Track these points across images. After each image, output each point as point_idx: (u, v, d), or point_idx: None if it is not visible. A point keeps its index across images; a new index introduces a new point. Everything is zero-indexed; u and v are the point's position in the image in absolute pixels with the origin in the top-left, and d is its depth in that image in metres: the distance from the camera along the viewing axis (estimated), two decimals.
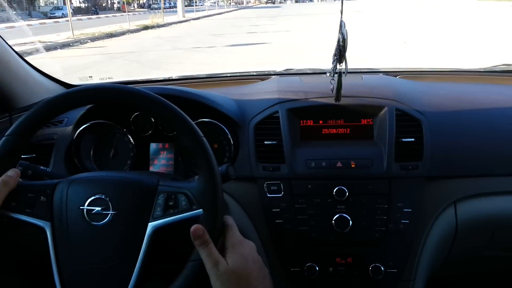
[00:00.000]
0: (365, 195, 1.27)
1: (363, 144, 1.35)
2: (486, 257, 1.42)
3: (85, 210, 0.97)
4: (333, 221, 1.25)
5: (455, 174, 1.31)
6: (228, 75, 1.97)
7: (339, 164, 1.29)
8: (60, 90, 1.79)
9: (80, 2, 46.08)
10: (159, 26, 23.50)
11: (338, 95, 1.23)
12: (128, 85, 1.00)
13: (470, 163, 1.32)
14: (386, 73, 1.76)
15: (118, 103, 0.98)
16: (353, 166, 1.29)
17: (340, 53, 1.15)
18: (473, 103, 1.49)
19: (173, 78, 1.95)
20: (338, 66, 1.20)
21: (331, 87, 1.24)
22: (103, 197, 0.97)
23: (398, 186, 1.27)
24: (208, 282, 0.94)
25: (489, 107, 1.47)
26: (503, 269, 1.57)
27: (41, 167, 1.11)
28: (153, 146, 1.45)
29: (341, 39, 1.14)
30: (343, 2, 1.21)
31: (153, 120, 1.42)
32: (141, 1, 67.49)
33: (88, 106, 1.37)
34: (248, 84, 1.75)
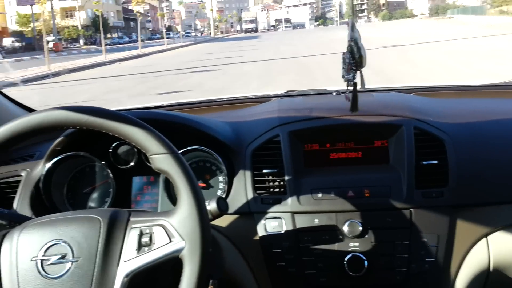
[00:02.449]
0: (383, 229, 1.11)
1: (378, 169, 1.20)
2: None
3: (39, 261, 0.81)
4: (345, 262, 1.09)
5: (486, 201, 1.15)
6: (225, 99, 1.82)
7: (350, 194, 1.14)
8: None
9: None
10: None
11: (354, 105, 1.09)
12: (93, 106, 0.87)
13: (502, 187, 1.16)
14: (399, 90, 1.61)
15: (82, 125, 0.85)
16: (367, 195, 1.14)
17: (355, 61, 1.01)
18: (499, 118, 1.34)
19: (165, 105, 1.82)
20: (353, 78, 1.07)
21: (346, 95, 1.10)
22: (60, 242, 0.82)
23: (421, 217, 1.12)
24: None
25: None
26: None
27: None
28: (136, 180, 1.30)
29: (353, 45, 1.00)
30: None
31: (135, 149, 1.26)
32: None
33: (60, 137, 1.22)
34: (246, 107, 1.59)
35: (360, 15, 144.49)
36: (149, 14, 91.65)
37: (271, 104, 1.51)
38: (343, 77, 1.10)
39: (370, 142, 1.23)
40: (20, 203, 1.20)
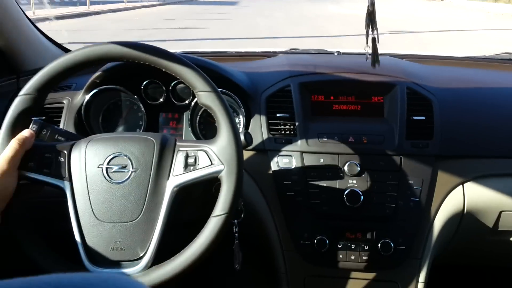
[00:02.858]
0: (377, 171, 1.27)
1: (374, 121, 1.36)
2: (489, 242, 1.44)
3: (104, 168, 0.96)
4: (344, 195, 1.25)
5: (464, 154, 1.33)
6: (234, 52, 1.95)
7: (351, 139, 1.29)
8: None
9: None
10: None
11: (374, 59, 1.21)
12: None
13: (479, 144, 1.34)
14: (393, 55, 1.77)
15: (139, 60, 0.97)
16: (365, 141, 1.29)
17: (371, 19, 1.13)
18: (480, 86, 1.51)
19: (178, 52, 1.91)
20: (370, 32, 1.17)
21: (365, 51, 1.21)
22: (122, 155, 0.97)
23: (409, 163, 1.28)
24: (232, 238, 0.94)
25: (497, 91, 1.49)
26: (503, 258, 1.59)
27: (56, 126, 1.09)
28: (162, 115, 1.44)
29: (369, 4, 1.13)
30: None
31: (164, 88, 1.40)
32: None
33: (98, 72, 1.34)
34: (255, 60, 1.74)
35: None
36: None
37: (280, 58, 1.65)
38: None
39: (368, 98, 1.38)
40: (65, 127, 1.33)
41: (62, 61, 0.98)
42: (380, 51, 1.68)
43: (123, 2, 22.89)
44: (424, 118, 1.31)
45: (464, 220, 1.32)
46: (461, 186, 1.31)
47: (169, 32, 11.86)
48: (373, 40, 1.16)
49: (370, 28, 1.13)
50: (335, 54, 1.77)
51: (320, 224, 1.28)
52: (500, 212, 1.33)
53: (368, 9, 1.13)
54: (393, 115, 1.33)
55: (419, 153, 1.29)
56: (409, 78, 1.38)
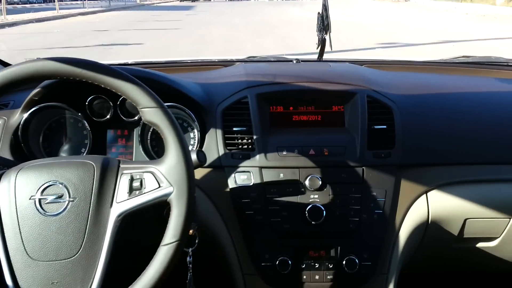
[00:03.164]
0: (339, 183, 1.23)
1: (335, 131, 1.31)
2: (455, 250, 1.42)
3: (37, 200, 0.87)
4: (306, 212, 1.20)
5: (427, 162, 1.30)
6: (189, 61, 1.87)
7: (311, 152, 1.25)
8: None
9: None
10: None
11: (321, 52, 1.17)
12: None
13: (441, 151, 1.31)
14: (352, 62, 1.73)
15: (75, 76, 0.89)
16: (326, 153, 1.25)
17: (323, 19, 1.10)
18: (440, 91, 1.49)
19: (129, 63, 1.83)
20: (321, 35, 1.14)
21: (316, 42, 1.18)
22: (57, 183, 0.88)
23: (371, 174, 1.24)
24: (183, 267, 0.87)
25: (458, 96, 1.48)
26: (470, 264, 1.58)
27: None
28: (110, 132, 1.34)
29: (324, 13, 1.10)
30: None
31: (111, 104, 1.31)
32: None
33: (37, 88, 1.23)
34: (211, 70, 1.66)
35: None
36: None
37: (237, 68, 1.58)
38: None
39: (328, 107, 1.33)
40: (1, 149, 1.22)
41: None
42: (338, 57, 1.66)
43: (85, 7, 21.89)
44: (385, 126, 1.28)
45: (429, 229, 1.30)
46: (424, 195, 1.28)
47: (87, 51, 9.43)
48: (323, 40, 1.14)
49: (324, 32, 1.12)
50: (294, 62, 1.72)
51: (281, 243, 1.22)
52: (465, 220, 1.31)
53: (322, 14, 1.11)
54: (354, 125, 1.29)
55: (381, 163, 1.26)
56: (369, 86, 1.35)
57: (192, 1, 49.96)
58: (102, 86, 0.89)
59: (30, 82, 0.91)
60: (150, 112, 0.90)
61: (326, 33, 1.13)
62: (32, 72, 0.88)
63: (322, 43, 1.16)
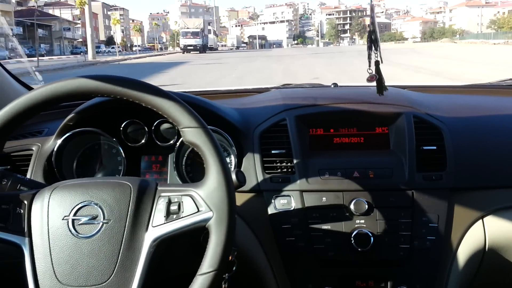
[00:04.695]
0: (387, 208, 1.15)
1: (380, 153, 1.24)
2: None
3: (70, 220, 0.82)
4: (352, 238, 1.11)
5: (482, 185, 1.21)
6: (223, 90, 1.84)
7: (356, 174, 1.18)
8: None
9: None
10: None
11: (380, 86, 1.10)
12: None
13: (496, 173, 1.22)
14: (393, 87, 1.67)
15: (115, 94, 0.85)
16: (371, 176, 1.17)
17: (371, 39, 1.03)
18: (489, 113, 1.42)
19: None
20: (373, 55, 1.07)
21: (370, 75, 1.10)
22: (92, 204, 0.83)
23: (422, 198, 1.16)
24: None
25: (506, 117, 1.39)
26: None
27: (19, 175, 0.96)
28: (145, 159, 1.31)
29: (370, 25, 1.04)
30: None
31: (146, 128, 1.28)
32: None
33: (72, 114, 1.22)
34: (246, 96, 1.63)
35: (342, 35, 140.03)
36: (78, 21, 68.22)
37: (273, 93, 1.55)
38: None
39: (371, 129, 1.27)
40: (33, 176, 1.20)
41: (25, 99, 0.86)
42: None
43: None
44: (435, 147, 1.21)
45: (486, 257, 1.20)
46: (480, 220, 1.18)
47: None
48: (376, 62, 1.06)
49: (373, 49, 1.04)
50: (332, 86, 1.67)
51: (325, 272, 1.14)
52: None
53: (369, 29, 1.04)
54: (401, 146, 1.22)
55: (433, 186, 1.17)
56: (415, 106, 1.29)
57: (200, 52, 42.58)
58: (143, 104, 0.85)
59: (68, 100, 0.88)
60: (192, 132, 0.85)
61: (376, 51, 1.04)
62: (70, 90, 0.85)
63: (377, 68, 1.08)
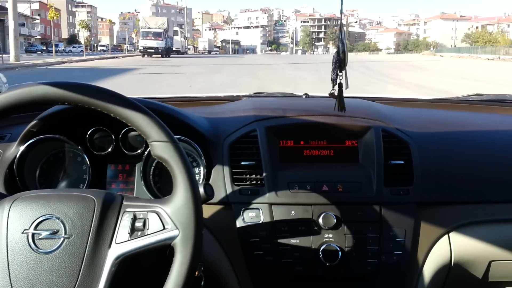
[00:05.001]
0: (355, 222, 1.15)
1: (349, 167, 1.24)
2: None
3: (30, 234, 0.79)
4: (320, 252, 1.11)
5: (448, 201, 1.23)
6: (194, 97, 1.82)
7: (325, 188, 1.17)
8: None
9: None
10: None
11: (341, 105, 1.11)
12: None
13: (463, 188, 1.24)
14: (362, 98, 1.68)
15: (83, 103, 0.82)
16: (340, 190, 1.17)
17: (340, 63, 1.04)
18: (456, 128, 1.44)
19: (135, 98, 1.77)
20: (337, 77, 1.08)
21: (330, 92, 1.11)
22: (54, 218, 0.80)
23: (389, 212, 1.17)
24: None
25: (474, 133, 1.42)
26: None
27: None
28: (111, 167, 1.27)
29: (340, 47, 1.04)
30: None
31: (113, 136, 1.24)
32: None
33: (36, 120, 1.17)
34: (217, 105, 1.61)
35: (317, 43, 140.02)
36: (38, 16, 63.79)
37: (244, 102, 1.54)
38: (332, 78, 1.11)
39: (341, 142, 1.27)
40: None
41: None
42: (349, 94, 1.60)
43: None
44: (402, 162, 1.22)
45: (452, 272, 1.21)
46: (446, 235, 1.20)
47: None
48: (340, 85, 1.07)
49: (338, 72, 1.05)
50: (303, 97, 1.67)
51: (293, 287, 1.12)
52: (490, 262, 1.22)
53: (338, 56, 1.05)
54: (369, 160, 1.22)
55: (400, 200, 1.18)
56: (383, 119, 1.30)
57: (162, 56, 37.01)
58: (111, 115, 0.83)
59: (32, 107, 0.85)
60: (160, 147, 0.83)
61: (341, 70, 1.05)
62: (37, 96, 0.82)
63: (339, 91, 1.09)
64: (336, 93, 1.09)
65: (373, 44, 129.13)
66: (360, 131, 1.27)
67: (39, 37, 63.44)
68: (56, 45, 40.45)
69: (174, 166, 0.82)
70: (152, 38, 38.84)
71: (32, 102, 0.82)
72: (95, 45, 77.35)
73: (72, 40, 71.89)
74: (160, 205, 0.82)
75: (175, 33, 48.21)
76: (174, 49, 46.28)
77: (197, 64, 25.81)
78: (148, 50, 37.99)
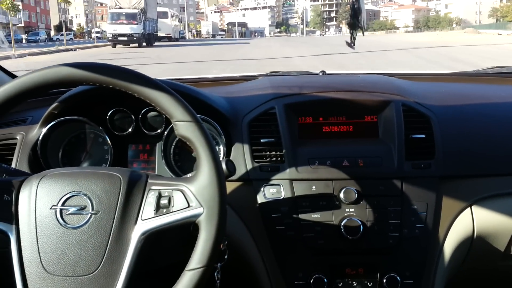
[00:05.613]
0: (376, 196, 1.15)
1: (369, 142, 1.24)
2: (502, 267, 1.32)
3: (58, 210, 0.81)
4: (341, 226, 1.11)
5: (470, 174, 1.22)
6: (211, 77, 1.82)
7: (345, 163, 1.17)
8: None
9: None
10: None
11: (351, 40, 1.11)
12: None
13: (485, 161, 1.23)
14: (381, 74, 1.67)
15: (107, 83, 0.83)
16: (361, 164, 1.17)
17: (354, 8, 1.03)
18: (477, 101, 1.42)
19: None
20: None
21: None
22: (81, 194, 0.82)
23: (411, 186, 1.16)
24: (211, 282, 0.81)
25: (496, 105, 1.40)
26: None
27: (4, 164, 0.94)
28: (132, 147, 1.28)
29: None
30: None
31: (133, 117, 1.25)
32: None
33: (57, 102, 1.18)
34: (234, 84, 1.61)
35: (328, 23, 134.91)
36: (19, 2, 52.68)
37: (261, 81, 1.53)
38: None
39: (360, 117, 1.26)
40: (18, 165, 1.17)
41: (13, 85, 0.83)
42: (367, 70, 1.59)
43: None
44: (423, 136, 1.21)
45: (474, 244, 1.21)
46: (469, 208, 1.19)
47: None
48: (351, 24, 1.07)
49: (354, 17, 1.05)
50: (320, 74, 1.66)
51: (315, 260, 1.13)
52: None
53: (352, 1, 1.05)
54: (390, 135, 1.22)
55: (421, 174, 1.17)
56: (403, 94, 1.29)
57: (139, 46, 26.65)
58: (136, 95, 0.84)
59: (57, 88, 0.86)
60: (185, 126, 0.83)
61: (358, 17, 1.05)
62: (61, 77, 0.83)
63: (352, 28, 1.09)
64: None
65: (389, 22, 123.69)
66: (380, 106, 1.26)
67: (22, 25, 55.46)
68: (37, 33, 38.13)
69: (198, 146, 0.83)
70: (125, 21, 27.17)
71: (58, 83, 0.83)
72: (90, 31, 71.20)
73: (60, 27, 62.08)
74: (185, 184, 0.83)
75: (163, 15, 37.14)
76: (163, 35, 37.10)
77: (181, 57, 17.50)
78: (119, 38, 26.87)
